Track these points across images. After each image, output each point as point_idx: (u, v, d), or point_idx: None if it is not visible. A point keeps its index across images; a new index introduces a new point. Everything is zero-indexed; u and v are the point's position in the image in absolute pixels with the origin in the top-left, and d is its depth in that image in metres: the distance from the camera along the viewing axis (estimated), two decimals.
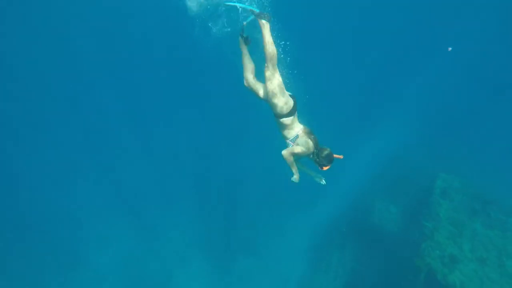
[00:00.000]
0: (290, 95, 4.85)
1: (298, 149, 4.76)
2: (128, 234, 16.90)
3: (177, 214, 17.75)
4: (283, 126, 4.88)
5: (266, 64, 4.71)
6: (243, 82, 5.03)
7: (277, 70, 4.71)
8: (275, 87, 4.69)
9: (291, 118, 4.82)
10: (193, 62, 20.37)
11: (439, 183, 11.35)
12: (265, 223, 17.25)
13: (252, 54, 5.04)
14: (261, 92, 4.93)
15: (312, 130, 4.92)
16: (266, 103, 4.91)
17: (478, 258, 9.35)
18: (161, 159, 20.27)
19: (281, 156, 4.81)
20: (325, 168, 4.72)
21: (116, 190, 18.59)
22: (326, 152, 4.66)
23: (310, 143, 4.78)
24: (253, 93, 5.04)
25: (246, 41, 4.95)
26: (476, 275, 8.96)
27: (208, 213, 17.72)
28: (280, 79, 4.74)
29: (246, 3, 4.84)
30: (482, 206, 10.85)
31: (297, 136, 4.88)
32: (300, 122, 5.00)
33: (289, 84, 4.98)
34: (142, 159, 20.14)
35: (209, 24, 5.25)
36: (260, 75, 4.97)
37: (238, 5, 4.77)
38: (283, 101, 4.73)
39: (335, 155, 4.74)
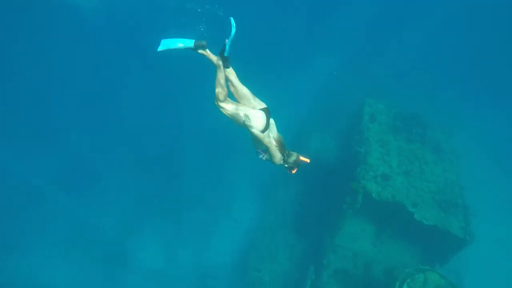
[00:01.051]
0: (263, 109, 4.66)
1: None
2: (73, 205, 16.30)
3: (121, 180, 17.32)
4: (256, 139, 4.74)
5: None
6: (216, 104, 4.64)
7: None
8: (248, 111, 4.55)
9: (267, 132, 4.71)
10: None
11: (367, 109, 12.06)
12: (207, 173, 17.45)
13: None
14: (232, 109, 4.65)
15: (282, 139, 4.87)
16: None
17: (404, 171, 10.43)
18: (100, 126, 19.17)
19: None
20: (293, 171, 4.87)
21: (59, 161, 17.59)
22: (293, 158, 4.75)
23: (279, 155, 4.77)
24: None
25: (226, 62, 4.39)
26: (403, 186, 10.05)
27: (152, 173, 17.41)
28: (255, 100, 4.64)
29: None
30: (404, 123, 11.88)
31: (268, 149, 4.78)
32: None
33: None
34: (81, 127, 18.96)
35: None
36: None
37: (173, 47, 4.37)
38: (259, 122, 4.59)
39: (302, 158, 4.82)
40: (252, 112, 4.59)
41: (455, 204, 9.70)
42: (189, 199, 16.76)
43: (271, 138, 4.81)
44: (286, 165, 4.83)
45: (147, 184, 17.25)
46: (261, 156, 4.87)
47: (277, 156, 4.76)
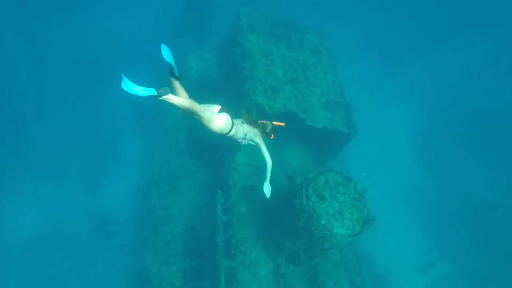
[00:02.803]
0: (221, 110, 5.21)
1: (262, 145, 5.63)
2: None
3: None
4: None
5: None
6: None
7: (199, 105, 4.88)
8: (211, 121, 5.00)
9: (234, 129, 5.25)
10: None
11: (244, 19, 11.33)
12: (77, 114, 15.36)
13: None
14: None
15: (250, 116, 5.60)
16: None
17: (290, 80, 10.54)
18: None
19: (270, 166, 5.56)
20: (272, 137, 5.58)
21: None
22: (270, 127, 5.49)
23: (257, 131, 5.55)
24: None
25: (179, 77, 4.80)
26: (292, 95, 10.24)
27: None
28: (208, 108, 5.04)
29: None
30: (282, 30, 11.67)
31: (245, 135, 5.50)
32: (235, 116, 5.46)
33: None
34: None
35: None
36: None
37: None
38: (223, 126, 5.06)
39: (275, 123, 5.60)
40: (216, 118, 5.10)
41: (338, 103, 10.43)
42: (64, 147, 14.75)
43: (242, 125, 5.49)
44: (264, 134, 5.55)
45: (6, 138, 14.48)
46: (243, 142, 5.58)
47: (258, 135, 5.55)
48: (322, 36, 12.18)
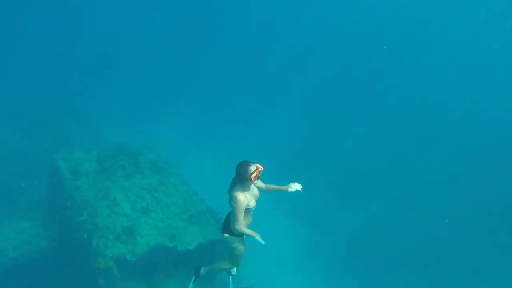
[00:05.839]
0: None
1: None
2: None
3: None
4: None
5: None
6: None
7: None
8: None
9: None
10: None
11: (63, 165, 9.80)
12: None
13: None
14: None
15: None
16: None
17: (141, 211, 9.33)
18: None
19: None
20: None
21: None
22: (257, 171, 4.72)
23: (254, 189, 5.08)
24: None
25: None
26: (151, 226, 9.02)
27: None
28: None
29: None
30: (113, 161, 10.56)
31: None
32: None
33: None
34: None
35: None
36: None
37: None
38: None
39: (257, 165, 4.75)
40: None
41: (201, 213, 9.72)
42: None
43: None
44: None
45: None
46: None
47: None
48: (156, 151, 11.63)
